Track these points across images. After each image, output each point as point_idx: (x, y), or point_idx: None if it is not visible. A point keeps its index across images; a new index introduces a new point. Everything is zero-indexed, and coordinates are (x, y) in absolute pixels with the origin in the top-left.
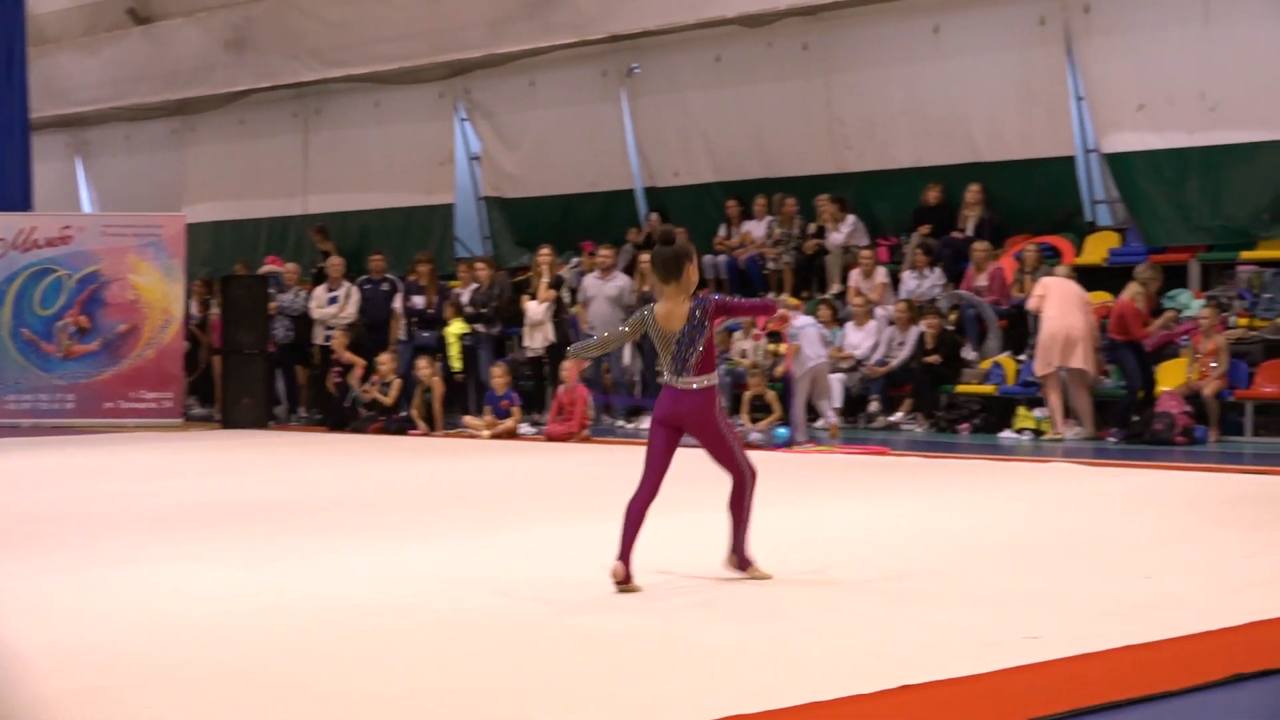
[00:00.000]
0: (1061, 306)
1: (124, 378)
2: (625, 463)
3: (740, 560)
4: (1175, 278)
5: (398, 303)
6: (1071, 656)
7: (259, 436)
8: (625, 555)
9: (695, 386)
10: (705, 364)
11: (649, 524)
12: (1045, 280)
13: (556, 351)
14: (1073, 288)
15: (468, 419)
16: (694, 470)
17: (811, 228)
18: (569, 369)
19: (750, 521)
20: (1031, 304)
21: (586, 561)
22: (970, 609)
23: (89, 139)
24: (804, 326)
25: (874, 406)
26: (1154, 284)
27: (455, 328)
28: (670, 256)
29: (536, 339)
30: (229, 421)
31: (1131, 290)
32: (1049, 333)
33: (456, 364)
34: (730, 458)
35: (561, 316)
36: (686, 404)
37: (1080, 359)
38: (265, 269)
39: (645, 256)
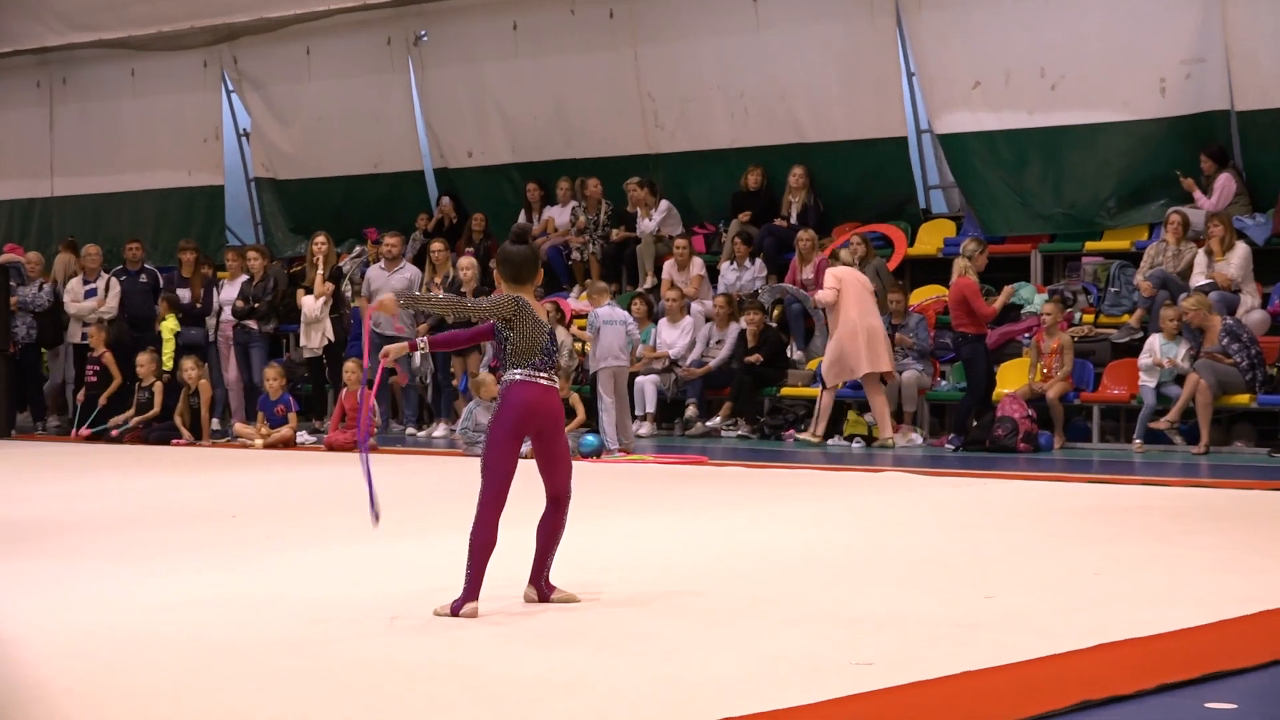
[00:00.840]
0: (861, 304)
1: None
2: (416, 473)
3: (543, 589)
4: (1016, 270)
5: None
6: (905, 684)
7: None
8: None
9: (549, 383)
10: (551, 364)
11: (431, 543)
12: (837, 272)
13: (335, 351)
14: (865, 281)
15: (239, 426)
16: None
17: (616, 214)
18: (352, 370)
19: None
20: (824, 296)
21: (373, 585)
22: (795, 633)
23: None
24: (607, 320)
25: (691, 411)
26: (981, 260)
27: (170, 324)
28: (529, 256)
29: (314, 337)
30: None
31: (960, 266)
32: (849, 333)
33: (169, 364)
34: (568, 470)
35: (341, 312)
36: (553, 403)
37: (885, 361)
38: (4, 258)
39: (436, 245)
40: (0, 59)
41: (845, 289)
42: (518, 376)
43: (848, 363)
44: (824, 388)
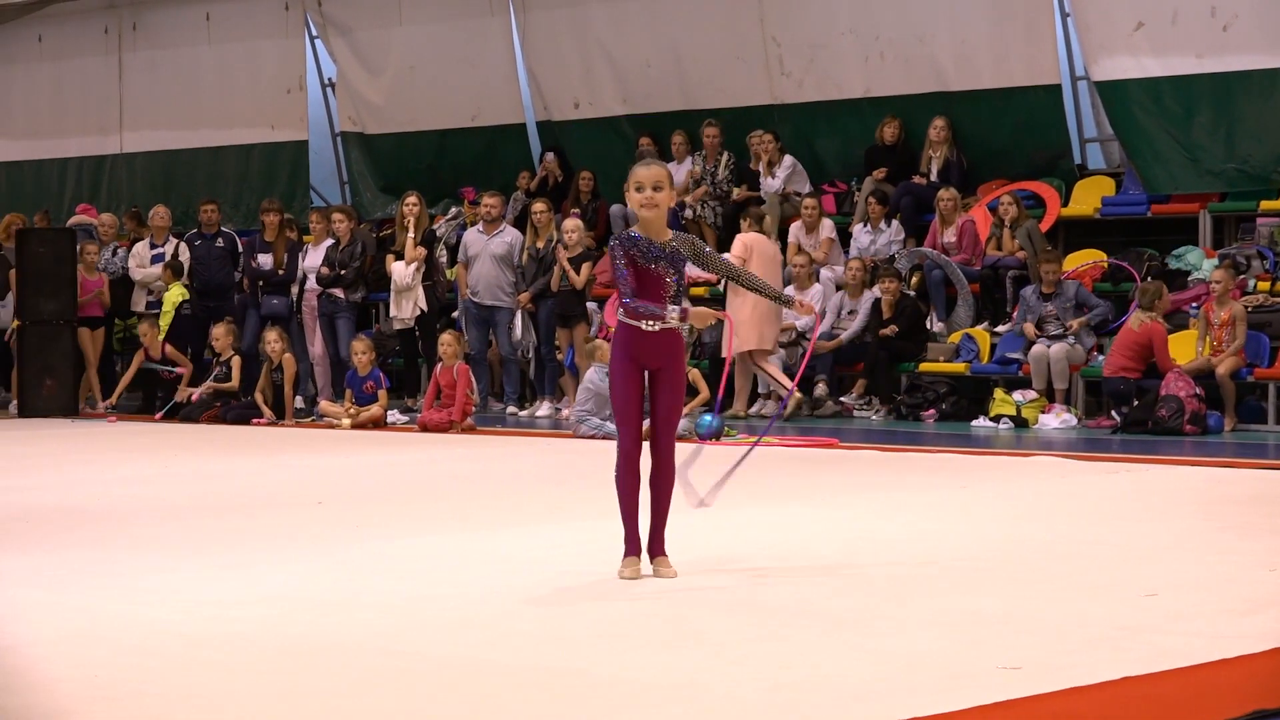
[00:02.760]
0: (766, 276)
1: None
2: (515, 458)
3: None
4: (1182, 232)
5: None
6: (1058, 691)
7: (64, 427)
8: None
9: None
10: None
11: (531, 533)
12: (746, 238)
13: (428, 322)
14: (776, 252)
15: (324, 405)
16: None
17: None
18: (449, 343)
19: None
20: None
21: (469, 579)
22: (932, 634)
23: None
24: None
25: (821, 389)
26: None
27: (174, 294)
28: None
29: (405, 307)
30: (27, 408)
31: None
32: (747, 304)
33: (160, 335)
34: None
35: (435, 279)
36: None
37: (770, 341)
38: (74, 220)
39: (539, 206)
40: (66, 2)
41: (753, 257)
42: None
43: (751, 332)
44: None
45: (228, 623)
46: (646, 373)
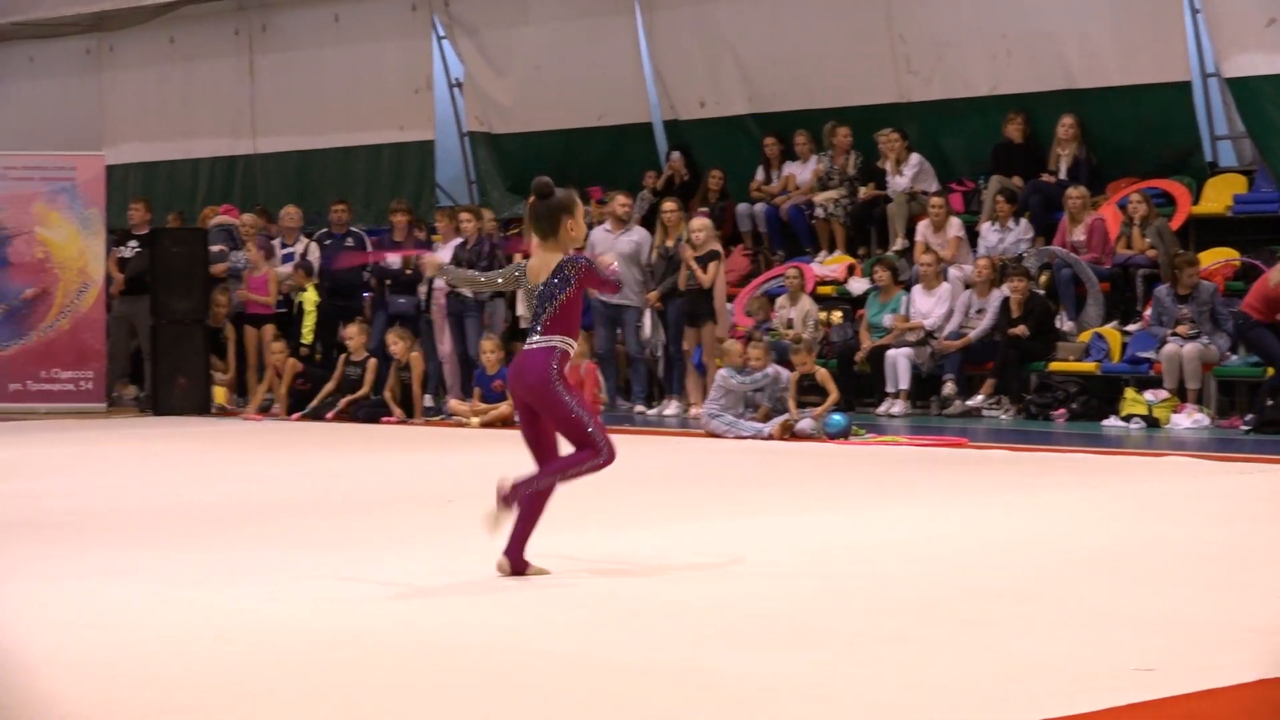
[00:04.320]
0: None
1: (33, 353)
2: (643, 457)
3: (516, 563)
4: None
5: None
6: (1193, 693)
7: (197, 424)
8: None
9: (533, 345)
10: (555, 324)
11: (659, 534)
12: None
13: None
14: None
15: (453, 403)
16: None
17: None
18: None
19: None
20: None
21: (596, 578)
22: (1062, 634)
23: None
24: None
25: (949, 388)
26: None
27: (312, 294)
28: (546, 211)
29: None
30: (160, 406)
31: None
32: None
33: (309, 338)
34: (576, 424)
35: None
36: (525, 367)
37: None
38: (216, 220)
39: (669, 205)
40: (197, 4)
41: None
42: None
43: None
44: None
45: (359, 620)
46: None
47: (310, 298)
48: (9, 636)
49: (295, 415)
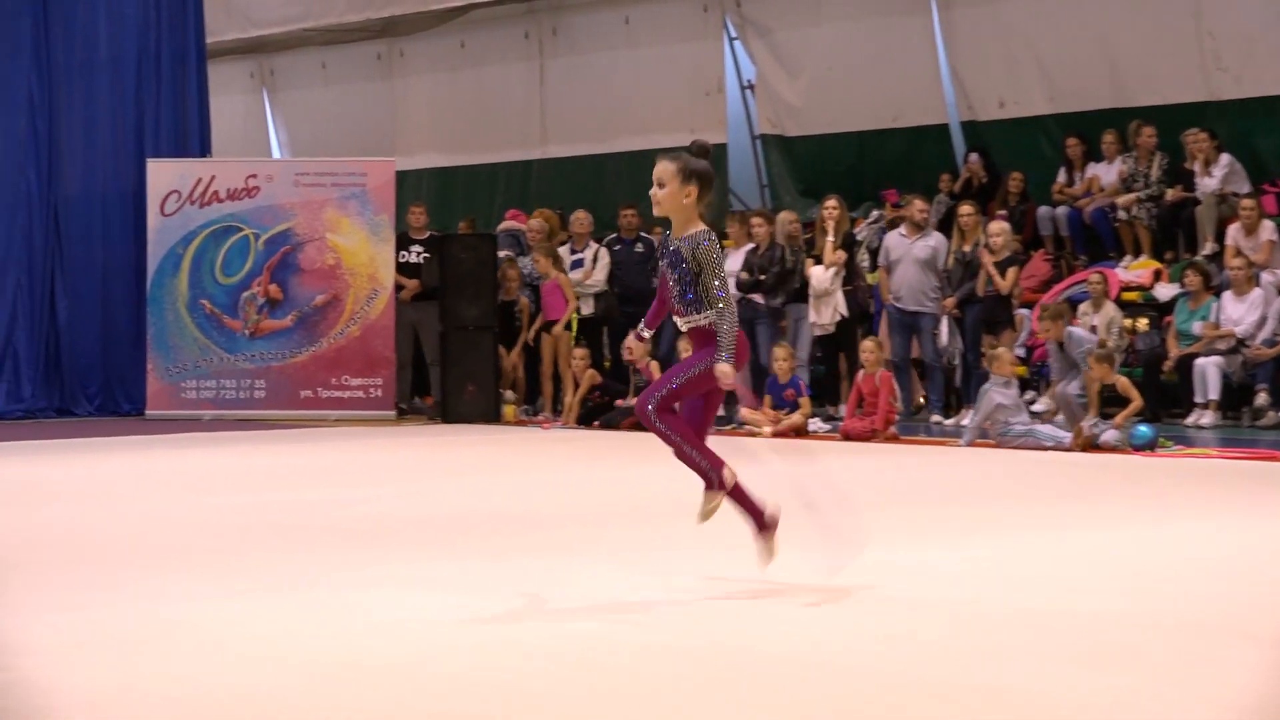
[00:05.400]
0: None
1: (324, 360)
2: (939, 468)
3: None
4: None
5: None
6: None
7: (487, 433)
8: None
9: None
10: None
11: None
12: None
13: (849, 328)
14: None
15: (745, 412)
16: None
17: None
18: (871, 350)
19: (698, 449)
20: None
21: (885, 590)
22: None
23: (277, 68)
24: None
25: (1261, 399)
26: None
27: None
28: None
29: (825, 313)
30: (449, 414)
31: None
32: None
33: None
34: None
35: (855, 284)
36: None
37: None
38: (504, 226)
39: (966, 209)
40: (487, 8)
41: None
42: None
43: None
44: None
45: (668, 629)
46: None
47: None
48: (307, 645)
49: (595, 423)
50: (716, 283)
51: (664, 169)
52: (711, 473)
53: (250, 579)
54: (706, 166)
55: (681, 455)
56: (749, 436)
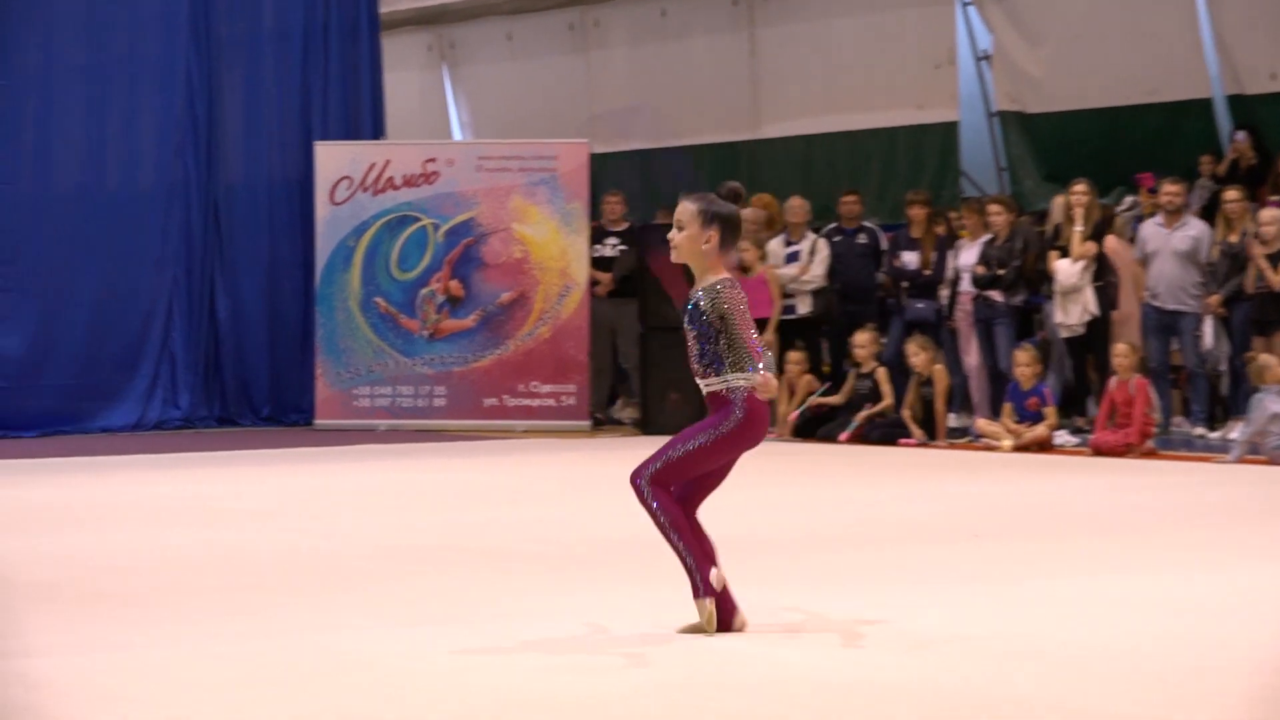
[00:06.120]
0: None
1: (510, 365)
2: (1204, 488)
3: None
4: None
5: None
6: None
7: None
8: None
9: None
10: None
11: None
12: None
13: (1100, 328)
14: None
15: (981, 423)
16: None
17: None
18: (1125, 354)
19: (689, 545)
20: None
21: (1150, 629)
22: None
23: (458, 40)
24: None
25: None
26: None
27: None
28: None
29: (1073, 312)
30: (650, 425)
31: None
32: None
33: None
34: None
35: (1107, 279)
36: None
37: None
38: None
39: (1231, 194)
40: None
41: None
42: (744, 384)
43: None
44: None
45: (875, 669)
46: None
47: None
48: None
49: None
50: (749, 334)
51: (684, 210)
52: (697, 574)
53: (425, 607)
54: (733, 211)
55: (669, 542)
56: (986, 450)
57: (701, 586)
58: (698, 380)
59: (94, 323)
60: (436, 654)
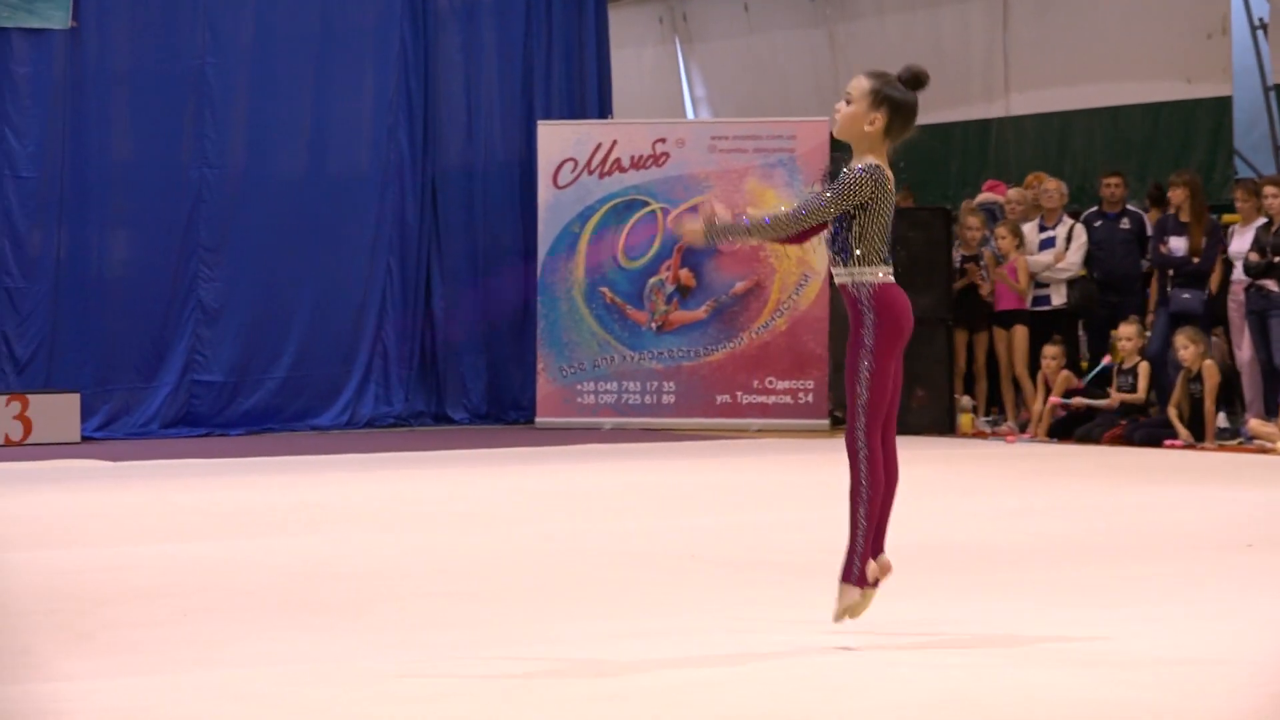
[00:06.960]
0: None
1: (745, 359)
2: None
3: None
4: None
5: None
6: None
7: (937, 446)
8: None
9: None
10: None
11: None
12: None
13: None
14: None
15: (1254, 424)
16: None
17: None
18: None
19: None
20: None
21: None
22: None
23: (691, 12)
24: None
25: None
26: None
27: None
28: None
29: None
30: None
31: None
32: None
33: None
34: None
35: None
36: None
37: None
38: (981, 198)
39: None
40: None
41: None
42: (882, 276)
43: None
44: None
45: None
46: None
47: None
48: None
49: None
50: (828, 194)
51: (857, 85)
52: (857, 560)
53: (660, 619)
54: (910, 98)
55: (852, 513)
56: (1259, 454)
57: (857, 570)
58: (830, 268)
59: (304, 315)
60: (673, 666)
